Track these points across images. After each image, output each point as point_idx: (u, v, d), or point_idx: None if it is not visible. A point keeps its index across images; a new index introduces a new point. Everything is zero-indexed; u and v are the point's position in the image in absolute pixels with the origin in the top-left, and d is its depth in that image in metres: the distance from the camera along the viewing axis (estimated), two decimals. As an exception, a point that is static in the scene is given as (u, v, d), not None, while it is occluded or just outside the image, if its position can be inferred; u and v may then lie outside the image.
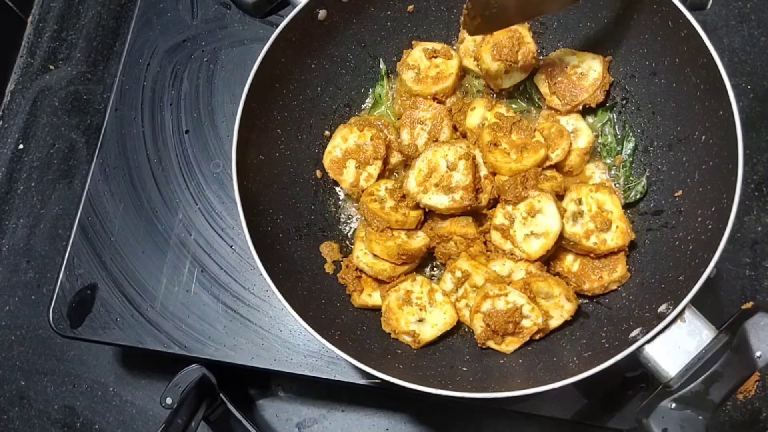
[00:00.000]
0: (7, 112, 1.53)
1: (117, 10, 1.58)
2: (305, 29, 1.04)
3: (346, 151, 1.07)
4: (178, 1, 1.37)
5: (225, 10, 1.35)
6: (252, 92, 0.99)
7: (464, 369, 0.97)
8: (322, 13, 1.04)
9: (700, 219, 0.92)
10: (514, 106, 1.14)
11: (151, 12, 1.36)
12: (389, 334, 1.01)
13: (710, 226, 0.89)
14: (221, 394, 1.13)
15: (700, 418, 0.77)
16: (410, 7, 1.13)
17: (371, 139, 1.06)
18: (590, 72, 1.07)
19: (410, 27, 1.14)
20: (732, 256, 1.19)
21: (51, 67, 1.56)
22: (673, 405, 0.77)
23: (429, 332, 0.99)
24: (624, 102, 1.09)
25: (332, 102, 1.15)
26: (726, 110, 0.88)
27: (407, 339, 0.99)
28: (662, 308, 0.86)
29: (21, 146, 1.50)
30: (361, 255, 1.03)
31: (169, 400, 1.09)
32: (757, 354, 0.77)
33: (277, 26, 1.00)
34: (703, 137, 0.95)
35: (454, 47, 1.15)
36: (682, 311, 0.81)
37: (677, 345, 0.81)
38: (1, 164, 1.49)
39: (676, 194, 0.99)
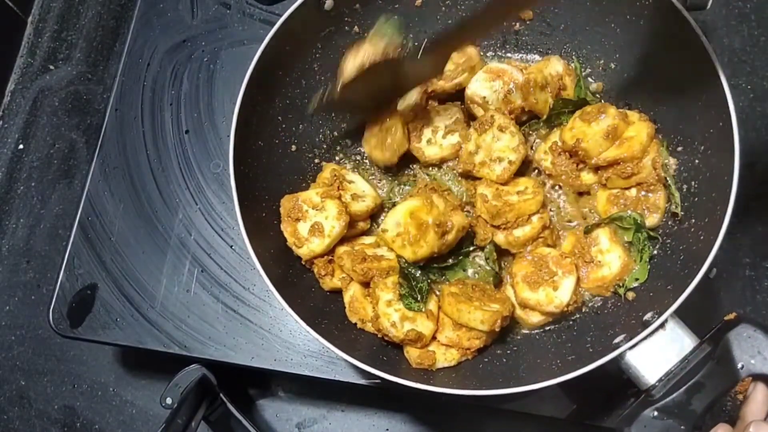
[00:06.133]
0: (7, 112, 1.53)
1: (117, 10, 1.57)
2: (311, 18, 1.04)
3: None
4: (178, 1, 1.37)
5: (225, 10, 1.35)
6: (254, 77, 0.99)
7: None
8: (328, 3, 1.05)
9: (693, 229, 0.93)
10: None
11: (151, 12, 1.36)
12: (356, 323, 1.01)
13: (702, 237, 0.89)
14: (221, 394, 1.13)
15: (682, 427, 0.77)
16: (418, 1, 1.13)
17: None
18: (606, 267, 1.00)
19: (417, 21, 1.14)
20: (732, 256, 1.19)
21: (51, 67, 1.56)
22: (656, 414, 0.77)
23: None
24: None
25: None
26: (725, 122, 0.88)
27: (373, 327, 1.00)
28: (647, 316, 0.86)
29: (21, 146, 1.50)
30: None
31: (169, 400, 1.09)
32: (740, 365, 0.77)
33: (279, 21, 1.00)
34: (702, 147, 0.96)
35: None
36: (666, 320, 0.82)
37: (658, 353, 0.81)
38: (1, 164, 1.49)
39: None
